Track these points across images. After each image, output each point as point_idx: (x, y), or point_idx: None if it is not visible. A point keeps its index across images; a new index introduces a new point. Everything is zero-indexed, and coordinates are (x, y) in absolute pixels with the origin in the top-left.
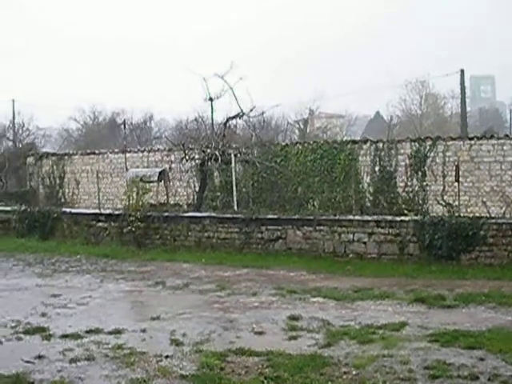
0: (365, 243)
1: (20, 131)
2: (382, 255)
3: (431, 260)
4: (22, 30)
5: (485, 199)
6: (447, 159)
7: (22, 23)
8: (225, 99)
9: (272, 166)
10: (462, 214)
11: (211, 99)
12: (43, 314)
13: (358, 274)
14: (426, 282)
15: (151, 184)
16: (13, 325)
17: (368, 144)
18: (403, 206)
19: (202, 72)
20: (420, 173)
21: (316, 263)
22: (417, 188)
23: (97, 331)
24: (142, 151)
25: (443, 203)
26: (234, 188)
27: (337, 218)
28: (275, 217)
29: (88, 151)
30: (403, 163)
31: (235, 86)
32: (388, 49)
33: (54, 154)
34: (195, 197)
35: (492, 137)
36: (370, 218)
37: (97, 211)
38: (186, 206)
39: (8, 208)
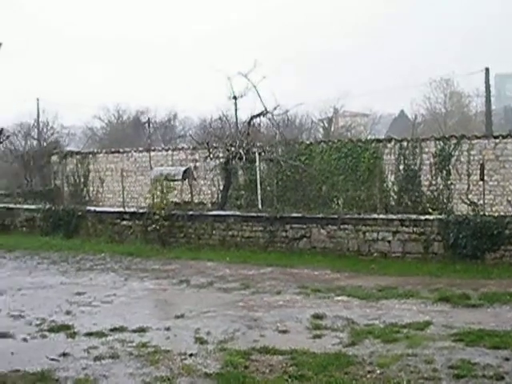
0: (389, 242)
1: (44, 130)
2: (407, 254)
3: (456, 259)
4: (46, 29)
5: (510, 198)
6: (472, 158)
7: (47, 22)
8: (249, 97)
9: (296, 165)
10: (486, 213)
11: (235, 97)
12: (68, 312)
13: (383, 273)
14: (450, 281)
15: (175, 182)
16: (38, 323)
17: (392, 143)
18: (428, 204)
19: (226, 70)
20: (444, 171)
21: (340, 262)
22: (441, 187)
23: (121, 329)
24: (167, 150)
25: (468, 202)
26: (259, 186)
27: (361, 216)
28: (299, 215)
29: (112, 150)
30: (428, 162)
31: (259, 84)
32: (410, 46)
33: (78, 153)
34: (219, 195)
35: None
36: (394, 217)
37: (121, 209)
38: (210, 205)
39: (33, 206)
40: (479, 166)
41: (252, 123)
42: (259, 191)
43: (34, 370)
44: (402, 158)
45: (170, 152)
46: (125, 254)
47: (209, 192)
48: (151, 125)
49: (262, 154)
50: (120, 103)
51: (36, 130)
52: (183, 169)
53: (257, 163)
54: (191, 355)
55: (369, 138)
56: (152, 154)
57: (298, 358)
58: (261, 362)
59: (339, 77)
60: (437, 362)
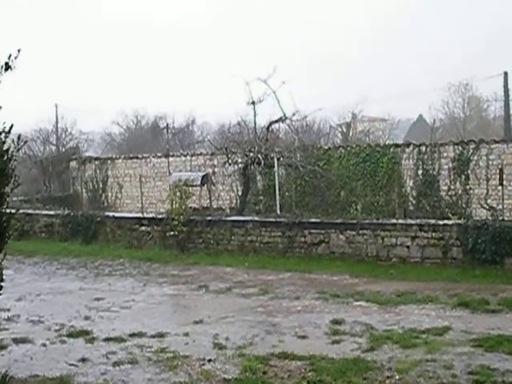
0: (408, 247)
1: (63, 135)
2: (425, 259)
3: (475, 264)
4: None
5: None
6: (491, 162)
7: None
8: (267, 103)
9: (315, 170)
10: (506, 218)
11: (254, 103)
12: (87, 318)
13: (401, 278)
14: (469, 287)
15: (194, 188)
16: (57, 328)
17: (411, 147)
18: (446, 209)
19: (245, 75)
20: (463, 176)
21: (359, 267)
22: (460, 192)
23: (140, 335)
24: (185, 155)
25: (487, 207)
26: (277, 192)
27: (380, 221)
28: (318, 221)
29: (131, 155)
30: (446, 167)
31: (278, 89)
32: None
33: (96, 159)
34: (238, 201)
35: None
36: (413, 222)
37: (140, 215)
38: (228, 210)
39: (52, 212)
40: (498, 171)
41: (271, 129)
42: (278, 196)
43: (53, 375)
44: (420, 162)
45: (188, 157)
46: (143, 260)
47: (227, 197)
48: (169, 130)
49: (281, 159)
50: (138, 109)
51: (55, 135)
52: (202, 174)
53: (275, 168)
54: (210, 361)
55: (387, 142)
56: (170, 159)
57: (316, 363)
58: (279, 368)
59: (357, 82)
60: (456, 367)
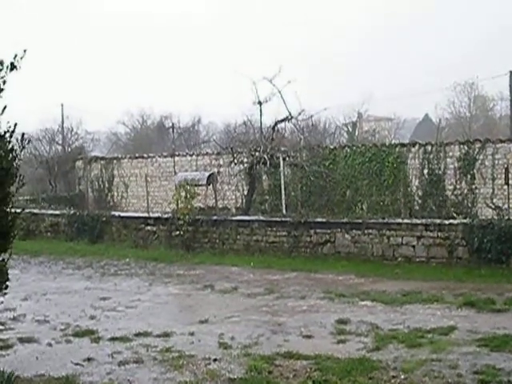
0: (413, 247)
1: (69, 135)
2: (431, 259)
3: (480, 264)
4: (71, 34)
5: None
6: (496, 162)
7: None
8: (273, 102)
9: (320, 170)
10: (511, 218)
11: (260, 103)
12: (92, 317)
13: (407, 278)
14: (475, 286)
15: (200, 188)
16: (62, 327)
17: (416, 147)
18: (452, 209)
19: (251, 75)
20: (469, 176)
21: (364, 267)
22: (466, 191)
23: (145, 334)
24: (191, 155)
25: (492, 206)
26: (283, 191)
27: (385, 221)
28: (324, 220)
29: (137, 155)
30: (452, 166)
31: (283, 89)
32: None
33: (102, 158)
34: (244, 200)
35: None
36: (418, 222)
37: (145, 215)
38: (234, 210)
39: (57, 212)
40: (504, 170)
41: (276, 128)
42: (283, 196)
43: (59, 374)
44: (426, 162)
45: (194, 157)
46: (149, 260)
47: (233, 197)
48: (175, 130)
49: (287, 158)
50: (144, 108)
51: (60, 135)
52: (207, 174)
53: (281, 168)
54: (215, 360)
55: (393, 142)
56: (176, 159)
57: (322, 363)
58: (285, 367)
59: (363, 81)
60: (461, 367)
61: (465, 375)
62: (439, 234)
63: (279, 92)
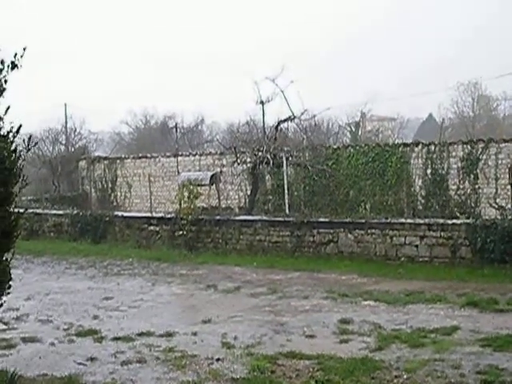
0: (416, 246)
1: (72, 135)
2: (434, 258)
3: (483, 263)
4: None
5: None
6: (500, 161)
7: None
8: (276, 102)
9: (323, 169)
10: None
11: (262, 102)
12: (95, 317)
13: (410, 278)
14: (478, 286)
15: (203, 187)
16: (65, 327)
17: (420, 147)
18: (455, 209)
19: (254, 75)
20: (472, 175)
21: (367, 266)
22: (469, 191)
23: (148, 334)
24: (194, 155)
25: (496, 206)
26: (286, 191)
27: (388, 221)
28: (327, 220)
29: (140, 155)
30: (455, 166)
31: (286, 88)
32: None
33: (106, 158)
34: (247, 200)
35: None
36: (421, 221)
37: (149, 215)
38: (237, 210)
39: (61, 212)
40: (507, 170)
41: (279, 128)
42: (286, 196)
43: (62, 374)
44: (429, 162)
45: (197, 157)
46: (152, 259)
47: (236, 197)
48: (178, 130)
49: (290, 158)
50: (147, 108)
51: (64, 135)
52: (210, 174)
53: (284, 168)
54: (218, 360)
55: (396, 142)
56: (179, 159)
57: (324, 362)
58: (287, 367)
59: (366, 81)
60: (464, 367)
61: (467, 375)
62: (442, 233)
63: (282, 92)
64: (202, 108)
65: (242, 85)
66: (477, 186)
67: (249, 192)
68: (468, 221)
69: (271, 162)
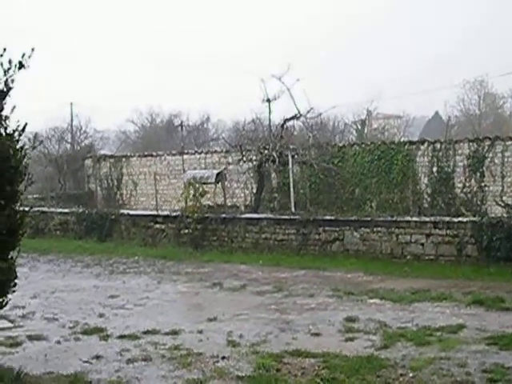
0: (422, 244)
1: (78, 134)
2: (440, 257)
3: (489, 262)
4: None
5: None
6: (506, 159)
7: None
8: (282, 100)
9: (329, 168)
10: None
11: (268, 100)
12: (101, 315)
13: (416, 276)
14: (484, 284)
15: (209, 185)
16: (71, 325)
17: (425, 145)
18: (461, 207)
19: (260, 73)
20: (478, 173)
21: (373, 265)
22: (475, 189)
23: (154, 332)
24: (200, 153)
25: (502, 204)
26: (292, 189)
27: (394, 219)
28: (332, 218)
29: (146, 153)
30: (461, 164)
31: (292, 87)
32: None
33: (111, 156)
34: (252, 198)
35: None
36: (427, 219)
37: (154, 213)
38: (243, 208)
39: (66, 210)
40: None
41: (285, 126)
42: (292, 194)
43: (67, 372)
44: (435, 159)
45: (203, 155)
46: (158, 257)
47: (242, 195)
48: (184, 128)
49: (295, 156)
50: (153, 106)
51: (70, 134)
52: (216, 172)
53: (290, 166)
54: (223, 358)
55: (402, 140)
56: (185, 157)
57: (330, 360)
58: (293, 365)
59: (372, 79)
60: (470, 365)
61: (473, 374)
62: (448, 231)
63: (288, 90)
64: (207, 106)
65: (248, 83)
66: (483, 184)
67: (254, 190)
68: (474, 219)
69: (277, 160)
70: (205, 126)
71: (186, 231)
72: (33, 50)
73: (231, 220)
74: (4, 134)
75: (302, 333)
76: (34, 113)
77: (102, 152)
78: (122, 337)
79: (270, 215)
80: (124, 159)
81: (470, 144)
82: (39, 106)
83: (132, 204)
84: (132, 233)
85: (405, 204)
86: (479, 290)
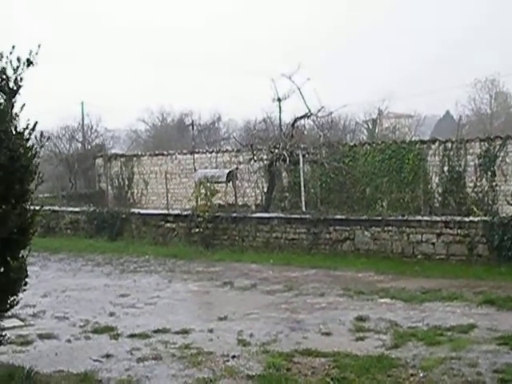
0: (433, 244)
1: (89, 133)
2: (451, 256)
3: (501, 261)
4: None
5: None
6: None
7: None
8: (292, 99)
9: (340, 167)
10: None
11: (279, 100)
12: (111, 314)
13: (426, 275)
14: (495, 284)
15: (219, 185)
16: (81, 324)
17: (437, 144)
18: (472, 206)
19: (270, 72)
20: (489, 173)
21: (384, 264)
22: (486, 188)
23: (164, 331)
24: (211, 152)
25: None
26: (302, 188)
27: (405, 218)
28: (343, 217)
29: (156, 152)
30: (472, 163)
31: (303, 86)
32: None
33: (122, 155)
34: (263, 197)
35: None
36: (438, 219)
37: (165, 212)
38: (254, 207)
39: (77, 209)
40: None
41: (296, 125)
42: (303, 193)
43: (78, 370)
44: (446, 159)
45: (213, 154)
46: (168, 256)
47: (253, 194)
48: (195, 127)
49: (306, 155)
50: (164, 106)
51: (80, 133)
52: (227, 171)
53: (301, 165)
54: (234, 357)
55: (413, 139)
56: (196, 156)
57: (340, 360)
58: (303, 365)
59: (383, 78)
60: (481, 365)
61: (484, 374)
62: (459, 231)
63: (298, 89)
64: (218, 105)
65: (259, 82)
66: (494, 184)
67: (265, 189)
68: (485, 218)
69: (288, 160)
70: (216, 125)
71: (197, 230)
72: (39, 46)
73: (242, 219)
74: (14, 132)
75: (312, 332)
76: (45, 112)
77: (113, 151)
78: (132, 336)
79: (281, 214)
80: (135, 158)
81: (482, 143)
82: (50, 105)
83: (143, 203)
84: (143, 232)
85: (416, 203)
86: (490, 290)
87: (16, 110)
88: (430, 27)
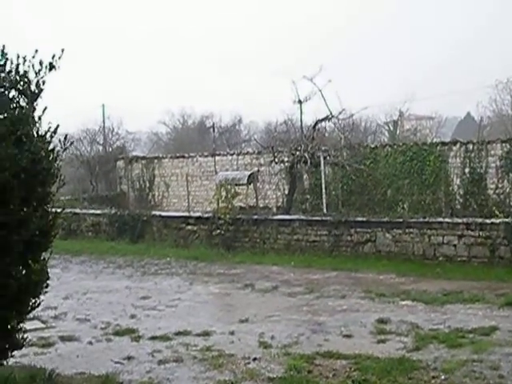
0: (455, 246)
1: (110, 135)
2: (472, 258)
3: None
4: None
5: None
6: None
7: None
8: (313, 101)
9: (361, 169)
10: None
11: (300, 102)
12: (132, 316)
13: (448, 277)
14: None
15: (241, 187)
16: (103, 326)
17: (458, 145)
18: (494, 208)
19: (292, 74)
20: (511, 174)
21: (405, 266)
22: (508, 190)
23: (185, 333)
24: (232, 154)
25: None
26: (324, 191)
27: (426, 220)
28: (364, 219)
29: (177, 155)
30: (494, 165)
31: (324, 88)
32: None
33: (143, 158)
34: (284, 199)
35: None
36: (459, 221)
37: (186, 214)
38: (275, 209)
39: (98, 211)
40: None
41: (317, 127)
42: (324, 195)
43: (99, 372)
44: (467, 160)
45: (234, 156)
46: (190, 259)
47: (274, 196)
48: (216, 129)
49: (327, 157)
50: (185, 108)
51: (101, 135)
52: (248, 173)
53: (322, 167)
54: (255, 359)
55: (434, 141)
56: (217, 158)
57: (361, 362)
58: (324, 367)
59: (405, 79)
60: (503, 368)
61: (506, 376)
62: (481, 233)
63: (320, 91)
64: (239, 107)
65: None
66: None
67: (286, 191)
68: (507, 220)
69: (309, 162)
70: (237, 127)
71: (218, 232)
72: (63, 50)
73: (263, 221)
74: (36, 135)
75: (333, 334)
76: (67, 115)
77: (134, 153)
78: (153, 338)
79: (302, 216)
80: (156, 160)
81: (503, 145)
82: (72, 108)
83: (164, 205)
84: (164, 234)
85: (437, 205)
86: None
87: (38, 113)
88: (445, 27)
